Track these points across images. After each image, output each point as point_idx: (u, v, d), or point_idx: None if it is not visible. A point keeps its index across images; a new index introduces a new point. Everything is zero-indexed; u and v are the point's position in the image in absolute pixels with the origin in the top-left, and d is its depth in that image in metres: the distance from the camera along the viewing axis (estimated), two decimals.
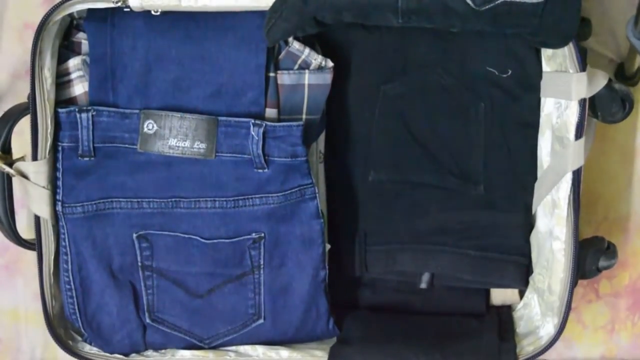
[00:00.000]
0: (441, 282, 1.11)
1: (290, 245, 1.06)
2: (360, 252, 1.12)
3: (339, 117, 1.10)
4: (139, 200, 1.04)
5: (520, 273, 1.11)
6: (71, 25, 1.04)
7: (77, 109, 1.02)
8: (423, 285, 1.12)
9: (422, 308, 1.14)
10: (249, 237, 1.06)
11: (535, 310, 1.10)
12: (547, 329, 1.07)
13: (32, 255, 1.07)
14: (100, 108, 1.02)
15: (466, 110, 1.08)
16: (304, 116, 1.05)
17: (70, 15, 1.01)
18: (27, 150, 1.03)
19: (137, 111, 1.02)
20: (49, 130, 1.02)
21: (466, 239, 1.10)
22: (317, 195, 1.05)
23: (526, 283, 1.12)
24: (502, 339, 1.08)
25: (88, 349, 1.10)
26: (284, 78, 1.04)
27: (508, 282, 1.12)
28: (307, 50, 1.03)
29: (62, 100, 1.04)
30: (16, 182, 1.04)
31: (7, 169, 1.02)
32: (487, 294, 1.15)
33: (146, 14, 0.99)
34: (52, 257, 1.06)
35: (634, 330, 1.21)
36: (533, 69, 1.06)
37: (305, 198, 1.05)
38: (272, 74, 1.03)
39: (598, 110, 1.01)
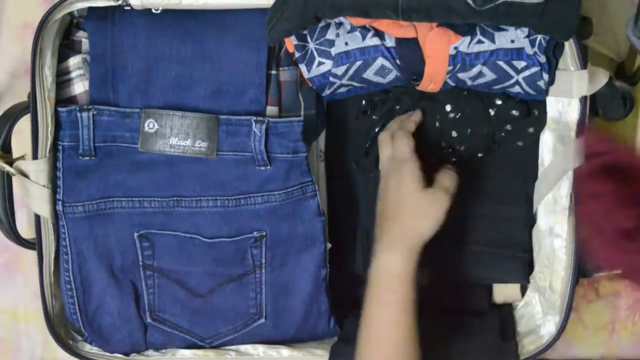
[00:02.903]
0: (443, 278, 1.11)
1: (291, 244, 1.06)
2: (363, 249, 1.12)
3: (340, 115, 1.11)
4: (140, 199, 1.04)
5: (522, 268, 1.11)
6: (71, 24, 1.04)
7: (77, 108, 1.02)
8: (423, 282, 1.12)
9: (422, 305, 1.14)
10: (250, 235, 1.06)
11: (536, 309, 1.10)
12: (548, 328, 1.07)
13: (31, 254, 1.07)
14: (101, 107, 1.02)
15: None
16: (302, 112, 1.05)
17: (71, 13, 1.00)
18: (27, 149, 1.03)
19: (137, 110, 1.02)
20: (49, 129, 1.02)
21: (468, 234, 1.10)
22: (318, 192, 1.05)
23: (528, 278, 1.12)
24: (504, 337, 1.08)
25: (88, 348, 1.10)
26: (285, 75, 1.04)
27: (510, 277, 1.12)
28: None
29: (63, 99, 1.04)
30: (16, 181, 1.03)
31: (7, 167, 1.02)
32: (490, 291, 1.15)
33: (147, 12, 0.99)
34: (53, 257, 1.06)
35: (634, 330, 1.21)
36: None
37: (306, 196, 1.05)
38: (273, 72, 1.03)
39: (599, 108, 1.01)
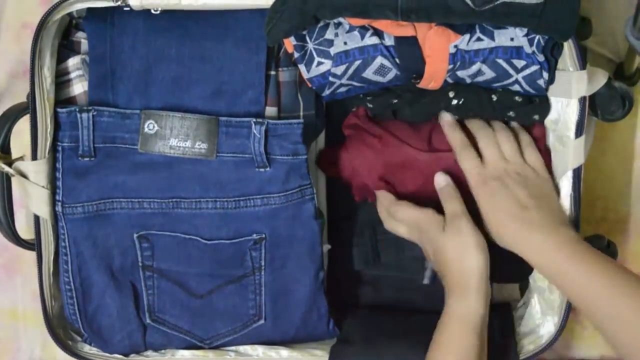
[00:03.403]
0: None
1: (291, 246, 1.06)
2: (371, 243, 1.12)
3: (339, 115, 1.11)
4: (140, 200, 1.04)
5: (524, 265, 1.11)
6: (70, 25, 1.04)
7: (77, 109, 1.01)
8: (426, 281, 1.12)
9: (424, 305, 1.14)
10: (249, 238, 1.06)
11: (535, 309, 1.10)
12: (548, 328, 1.07)
13: (30, 254, 1.07)
14: (101, 108, 1.02)
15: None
16: (301, 112, 1.05)
17: (70, 14, 1.00)
18: (26, 150, 1.03)
19: (137, 111, 1.02)
20: (48, 130, 1.01)
21: None
22: (315, 196, 1.05)
23: (527, 277, 1.12)
24: (503, 337, 1.08)
25: (88, 349, 1.10)
26: (284, 75, 1.04)
27: (512, 273, 1.13)
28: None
29: (62, 99, 1.04)
30: (15, 181, 1.03)
31: (6, 168, 1.01)
32: None
33: (146, 13, 0.99)
34: (52, 257, 1.06)
35: None
36: None
37: (305, 199, 1.05)
38: (272, 72, 1.03)
39: (598, 109, 1.01)
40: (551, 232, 0.98)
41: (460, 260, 1.01)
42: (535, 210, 0.99)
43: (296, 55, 1.01)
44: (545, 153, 1.05)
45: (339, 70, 1.01)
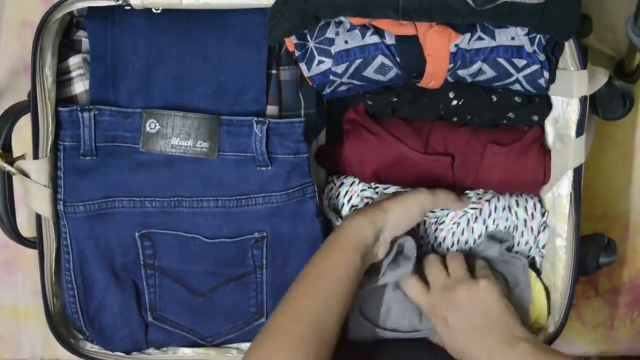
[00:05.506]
0: None
1: (293, 244, 1.06)
2: None
3: (340, 113, 1.11)
4: (142, 199, 1.04)
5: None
6: (71, 24, 1.04)
7: (79, 108, 1.02)
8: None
9: None
10: (251, 236, 1.06)
11: None
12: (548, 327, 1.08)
13: (32, 252, 1.07)
14: (103, 107, 1.02)
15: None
16: (302, 111, 1.06)
17: (71, 13, 1.00)
18: (28, 148, 1.03)
19: (139, 111, 1.02)
20: (50, 129, 1.01)
21: None
22: (317, 194, 1.06)
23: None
24: None
25: (90, 347, 1.10)
26: (286, 74, 1.04)
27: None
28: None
29: (63, 98, 1.04)
30: (17, 180, 1.03)
31: (8, 167, 1.02)
32: None
33: (147, 12, 0.99)
34: (54, 256, 1.06)
35: (633, 327, 1.22)
36: None
37: (306, 197, 1.05)
38: (274, 71, 1.04)
39: (599, 108, 1.02)
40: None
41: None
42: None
43: (297, 54, 1.01)
44: (544, 153, 1.05)
45: (340, 69, 1.01)
